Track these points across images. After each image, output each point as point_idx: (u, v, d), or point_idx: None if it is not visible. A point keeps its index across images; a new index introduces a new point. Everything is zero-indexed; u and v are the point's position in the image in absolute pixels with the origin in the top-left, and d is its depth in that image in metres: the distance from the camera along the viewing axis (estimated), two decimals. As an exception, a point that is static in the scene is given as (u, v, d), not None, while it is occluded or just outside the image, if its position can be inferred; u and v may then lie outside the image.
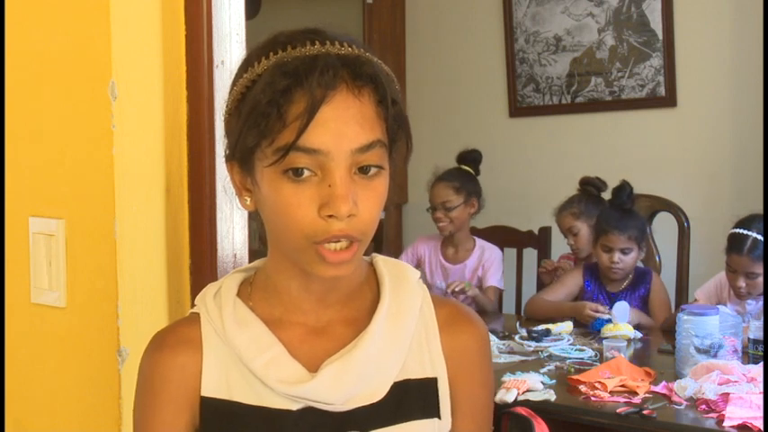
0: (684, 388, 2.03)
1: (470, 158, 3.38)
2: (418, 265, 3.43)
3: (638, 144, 3.96)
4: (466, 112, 4.39)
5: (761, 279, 2.65)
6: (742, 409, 1.87)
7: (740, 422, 1.85)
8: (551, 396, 2.08)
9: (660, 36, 3.84)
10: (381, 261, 1.05)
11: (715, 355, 2.20)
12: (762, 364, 2.14)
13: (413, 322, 1.00)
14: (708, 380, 2.04)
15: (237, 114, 0.92)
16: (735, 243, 2.69)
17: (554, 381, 2.20)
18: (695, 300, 2.89)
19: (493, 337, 2.61)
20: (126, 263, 1.24)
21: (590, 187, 3.23)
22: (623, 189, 2.97)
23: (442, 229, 3.36)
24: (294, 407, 0.96)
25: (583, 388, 2.11)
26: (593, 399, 2.06)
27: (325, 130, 0.88)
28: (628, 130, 4.00)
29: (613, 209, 2.96)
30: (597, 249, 2.98)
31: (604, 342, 2.47)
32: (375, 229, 0.94)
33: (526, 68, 4.23)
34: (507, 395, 2.03)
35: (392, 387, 0.98)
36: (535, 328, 2.68)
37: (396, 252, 3.63)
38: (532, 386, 2.11)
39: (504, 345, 2.57)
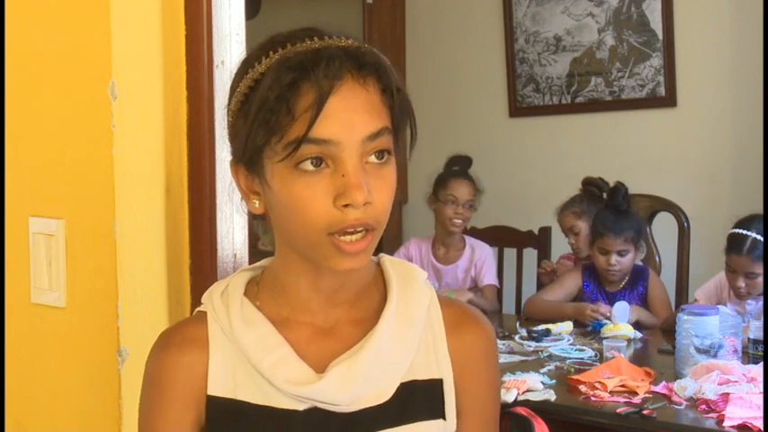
0: (684, 388, 2.03)
1: (460, 162, 3.39)
2: None
3: (638, 144, 3.96)
4: (466, 112, 4.39)
5: (761, 279, 2.65)
6: (742, 409, 1.87)
7: (740, 422, 1.85)
8: (551, 396, 2.08)
9: (660, 36, 3.84)
10: (388, 261, 1.05)
11: (715, 355, 2.20)
12: (762, 364, 2.14)
13: (420, 323, 1.00)
14: (708, 380, 2.04)
15: (243, 115, 0.92)
16: (734, 243, 2.68)
17: (554, 381, 2.20)
18: (695, 300, 2.89)
19: (493, 337, 2.60)
20: (126, 263, 1.24)
21: (592, 187, 3.24)
22: (618, 190, 2.97)
23: (457, 226, 3.35)
24: (301, 407, 0.96)
25: (583, 388, 2.11)
26: (593, 399, 2.06)
27: (335, 121, 0.88)
28: (628, 130, 4.00)
29: (609, 210, 2.96)
30: (594, 251, 2.98)
31: (604, 342, 2.47)
32: (387, 218, 0.94)
33: (526, 68, 4.23)
34: (507, 395, 2.03)
35: (398, 388, 0.98)
36: (535, 328, 2.68)
37: (393, 252, 3.63)
38: (532, 386, 2.11)
39: (504, 345, 2.57)
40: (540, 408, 1.91)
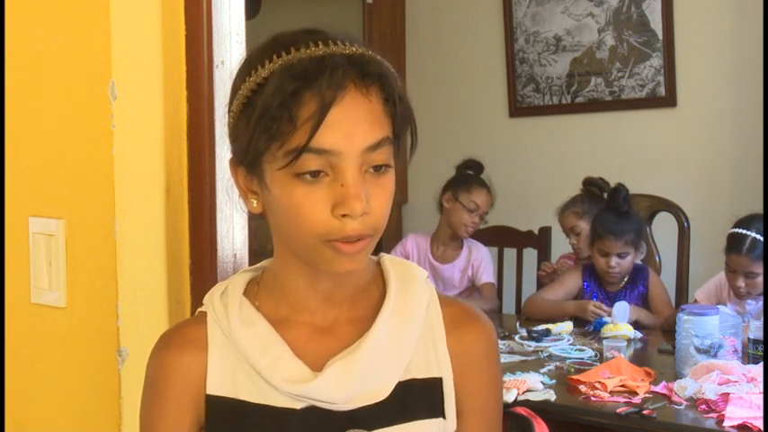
0: (684, 388, 2.03)
1: (473, 167, 3.42)
2: None
3: (638, 144, 3.95)
4: (466, 112, 4.39)
5: (760, 279, 2.64)
6: (742, 409, 1.87)
7: (740, 422, 1.85)
8: (551, 396, 2.08)
9: (660, 36, 3.84)
10: (388, 260, 1.05)
11: (715, 355, 2.20)
12: (762, 364, 2.14)
13: (419, 322, 1.00)
14: (708, 380, 2.04)
15: (245, 119, 0.92)
16: (734, 243, 2.69)
17: (554, 381, 2.20)
18: (695, 300, 2.89)
19: (493, 337, 2.60)
20: (126, 263, 1.24)
21: (593, 187, 3.24)
22: (619, 192, 2.97)
23: (468, 232, 3.38)
24: (298, 405, 0.96)
25: (583, 388, 2.11)
26: (593, 399, 2.06)
27: (336, 131, 0.88)
28: (628, 130, 4.00)
29: (609, 212, 2.95)
30: (594, 252, 2.98)
31: (604, 342, 2.47)
32: (385, 224, 0.94)
33: (526, 68, 4.23)
34: (507, 395, 2.03)
35: (396, 386, 0.98)
36: (535, 328, 2.68)
37: (391, 249, 3.63)
38: (532, 386, 2.11)
39: (504, 345, 2.57)
40: (540, 408, 1.91)
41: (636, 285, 3.00)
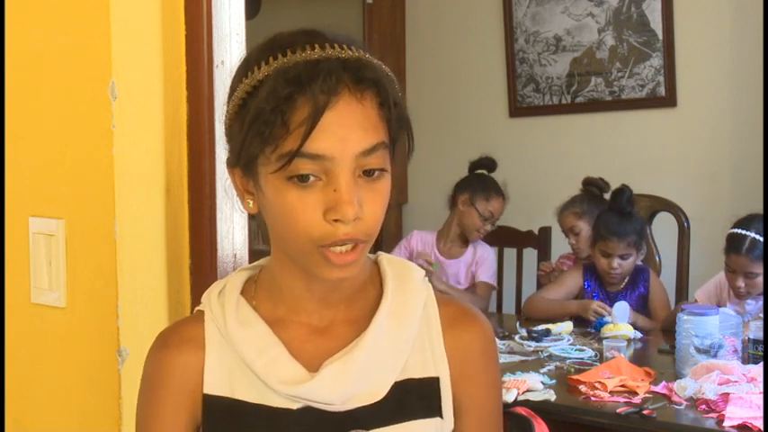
0: (684, 388, 2.03)
1: (488, 165, 3.44)
2: (410, 257, 3.44)
3: (638, 144, 3.95)
4: (466, 112, 4.39)
5: (760, 279, 2.65)
6: (742, 409, 1.87)
7: (740, 422, 1.85)
8: (551, 396, 2.08)
9: (660, 36, 3.84)
10: (386, 260, 1.05)
11: (715, 355, 2.20)
12: (762, 364, 2.14)
13: (416, 321, 1.00)
14: (708, 380, 2.04)
15: (240, 121, 0.92)
16: (733, 243, 2.69)
17: (554, 381, 2.20)
18: (695, 301, 2.89)
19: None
20: (126, 263, 1.24)
21: (593, 188, 3.24)
22: (623, 193, 2.96)
23: (479, 237, 3.41)
24: (294, 406, 0.96)
25: (583, 388, 2.11)
26: (593, 399, 2.06)
27: (329, 136, 0.88)
28: (628, 130, 4.00)
29: (612, 213, 2.95)
30: (595, 253, 2.98)
31: (604, 342, 2.47)
32: (379, 230, 0.94)
33: (526, 68, 4.23)
34: (507, 395, 2.03)
35: (393, 386, 0.98)
36: (535, 328, 2.68)
37: (394, 246, 3.63)
38: (532, 386, 2.11)
39: (504, 345, 2.57)
40: (540, 408, 1.91)
41: (636, 286, 3.00)
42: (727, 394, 1.94)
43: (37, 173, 1.32)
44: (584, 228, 3.17)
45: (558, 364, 2.37)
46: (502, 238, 3.61)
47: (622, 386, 2.10)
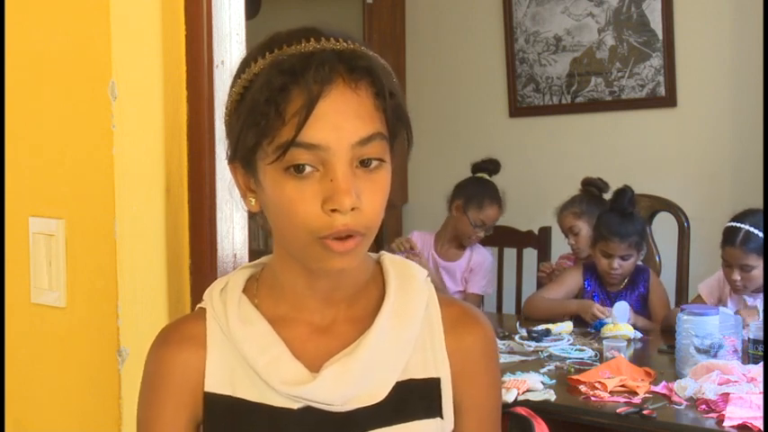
0: (684, 388, 2.03)
1: (492, 169, 3.38)
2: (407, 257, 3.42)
3: (638, 144, 3.95)
4: (466, 112, 4.39)
5: (756, 272, 2.65)
6: (742, 409, 1.87)
7: (740, 422, 1.85)
8: (551, 396, 2.08)
9: (660, 36, 3.84)
10: (388, 260, 1.05)
11: (715, 355, 2.20)
12: (762, 364, 2.14)
13: (418, 322, 1.00)
14: (708, 380, 2.04)
15: (237, 115, 0.93)
16: (728, 235, 2.70)
17: (554, 381, 2.20)
18: (697, 294, 2.89)
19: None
20: (126, 263, 1.24)
21: (592, 188, 3.23)
22: (625, 193, 2.95)
23: (473, 243, 3.38)
24: (295, 405, 0.96)
25: (583, 388, 2.11)
26: (593, 399, 2.06)
27: (324, 125, 0.88)
28: (628, 130, 4.00)
29: (614, 213, 2.94)
30: (596, 253, 2.98)
31: (604, 342, 2.47)
32: (379, 224, 0.94)
33: (526, 68, 4.23)
34: (507, 395, 2.03)
35: (395, 387, 0.97)
36: (535, 328, 2.68)
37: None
38: (532, 386, 2.11)
39: (504, 345, 2.57)
40: (540, 408, 1.91)
41: (636, 286, 3.00)
42: (727, 394, 1.94)
43: (37, 173, 1.32)
44: (584, 228, 3.17)
45: (558, 364, 2.37)
46: (502, 238, 3.61)
47: (622, 386, 2.10)
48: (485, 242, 3.49)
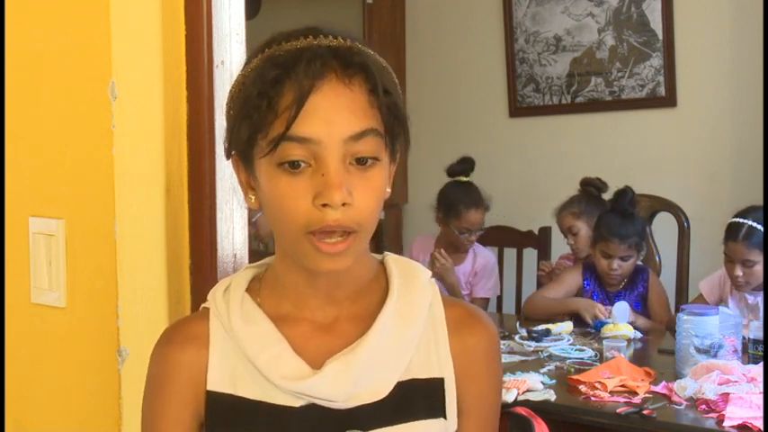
0: (684, 388, 2.03)
1: (464, 170, 3.33)
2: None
3: (638, 144, 3.96)
4: (466, 112, 4.39)
5: (757, 268, 2.65)
6: (742, 409, 1.87)
7: (740, 422, 1.85)
8: (551, 396, 2.08)
9: (660, 36, 3.84)
10: (392, 260, 1.05)
11: (715, 355, 2.20)
12: (762, 364, 2.14)
13: (421, 321, 1.00)
14: (708, 380, 2.04)
15: (233, 108, 0.94)
16: (731, 231, 2.70)
17: (554, 381, 2.20)
18: (699, 293, 2.89)
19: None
20: (126, 263, 1.24)
21: (591, 188, 3.23)
22: (625, 194, 2.95)
23: (468, 247, 3.35)
24: (297, 403, 0.96)
25: (583, 388, 2.11)
26: (593, 399, 2.06)
27: (316, 119, 0.88)
28: (628, 130, 4.00)
29: (614, 214, 2.94)
30: (596, 253, 2.98)
31: (604, 342, 2.47)
32: (374, 223, 0.94)
33: (526, 68, 4.23)
34: (507, 395, 2.03)
35: (397, 386, 0.97)
36: (535, 328, 2.68)
37: (395, 253, 3.62)
38: (532, 386, 2.11)
39: (504, 345, 2.57)
40: (540, 408, 1.91)
41: (636, 286, 3.00)
42: (727, 394, 1.94)
43: (37, 173, 1.32)
44: (583, 228, 3.17)
45: (558, 364, 2.37)
46: (502, 238, 3.61)
47: (622, 386, 2.10)
48: (485, 242, 3.49)
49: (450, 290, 3.23)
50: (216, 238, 1.31)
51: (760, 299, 2.69)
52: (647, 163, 3.88)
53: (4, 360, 1.37)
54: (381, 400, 0.96)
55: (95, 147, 1.23)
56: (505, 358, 2.44)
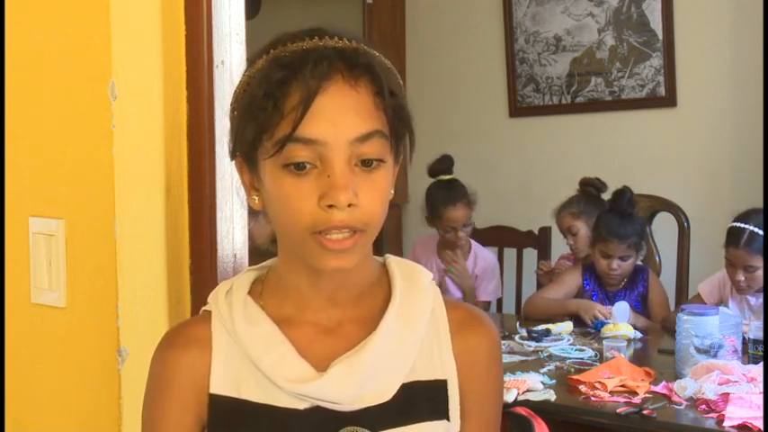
0: (684, 388, 2.03)
1: (444, 168, 3.32)
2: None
3: (638, 144, 3.96)
4: (466, 112, 4.39)
5: (759, 272, 2.65)
6: (742, 409, 1.87)
7: (740, 422, 1.85)
8: (551, 396, 2.08)
9: (660, 36, 3.84)
10: (394, 262, 1.05)
11: (715, 355, 2.20)
12: (762, 364, 2.14)
13: (424, 324, 1.00)
14: (708, 380, 2.04)
15: (238, 109, 0.94)
16: (732, 236, 2.69)
17: (554, 381, 2.20)
18: (697, 294, 2.89)
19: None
20: (126, 263, 1.24)
21: (590, 188, 3.23)
22: (624, 194, 2.95)
23: (461, 244, 3.34)
24: (301, 406, 0.96)
25: (583, 388, 2.11)
26: (593, 399, 2.06)
27: (322, 120, 0.88)
28: (628, 130, 4.00)
29: (613, 214, 2.94)
30: (595, 253, 2.98)
31: (604, 342, 2.47)
32: (380, 224, 0.94)
33: (526, 68, 4.23)
34: (507, 395, 2.03)
35: (401, 388, 0.97)
36: (535, 328, 2.68)
37: (395, 253, 3.62)
38: (532, 386, 2.11)
39: (504, 345, 2.57)
40: (540, 408, 1.91)
41: (635, 286, 3.00)
42: (727, 394, 1.94)
43: (37, 173, 1.32)
44: (582, 228, 3.17)
45: (558, 364, 2.37)
46: (502, 238, 3.61)
47: (622, 386, 2.10)
48: (485, 242, 3.49)
49: (466, 294, 3.23)
50: (216, 239, 1.31)
51: (759, 301, 2.68)
52: (647, 163, 3.88)
53: (4, 360, 1.37)
54: (386, 402, 0.96)
55: (95, 147, 1.23)
56: (506, 358, 2.43)
